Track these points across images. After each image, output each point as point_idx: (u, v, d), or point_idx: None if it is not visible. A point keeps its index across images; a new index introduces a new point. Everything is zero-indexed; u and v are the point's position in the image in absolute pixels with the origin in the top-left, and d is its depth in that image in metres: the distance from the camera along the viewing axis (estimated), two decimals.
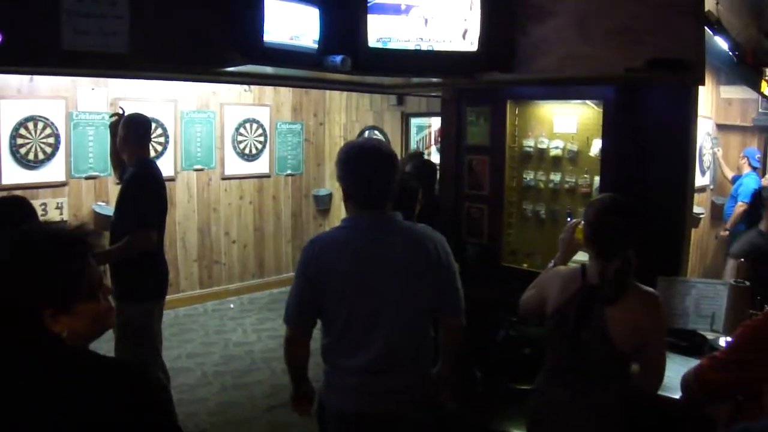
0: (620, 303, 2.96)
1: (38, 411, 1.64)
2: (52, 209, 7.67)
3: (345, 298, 2.91)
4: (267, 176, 9.90)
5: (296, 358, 3.16)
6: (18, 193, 6.82)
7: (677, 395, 3.08)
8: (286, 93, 9.98)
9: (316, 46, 4.54)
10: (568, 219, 5.07)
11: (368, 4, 4.64)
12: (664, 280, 4.09)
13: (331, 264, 2.93)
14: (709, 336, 3.94)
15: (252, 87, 9.38)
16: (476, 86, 5.49)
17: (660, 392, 3.19)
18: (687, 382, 2.85)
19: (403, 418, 2.98)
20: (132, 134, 4.96)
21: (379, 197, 2.94)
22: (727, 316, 3.86)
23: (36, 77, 7.44)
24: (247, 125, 9.55)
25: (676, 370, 3.10)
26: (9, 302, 1.70)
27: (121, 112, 5.21)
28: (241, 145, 9.51)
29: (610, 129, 4.79)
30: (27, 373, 1.68)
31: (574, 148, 5.20)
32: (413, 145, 9.24)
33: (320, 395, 3.13)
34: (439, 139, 8.25)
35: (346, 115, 10.21)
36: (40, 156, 7.63)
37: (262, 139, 9.73)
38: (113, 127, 5.22)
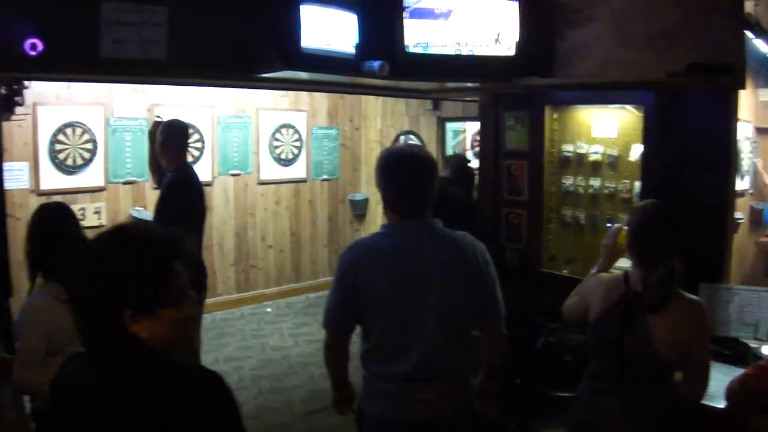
0: (664, 311, 2.93)
1: (116, 411, 1.67)
2: (90, 214, 7.73)
3: (383, 305, 2.90)
4: (303, 181, 9.92)
5: (335, 363, 3.16)
6: (57, 198, 6.92)
7: (721, 404, 3.05)
8: (321, 98, 9.98)
9: (354, 51, 4.54)
10: (608, 225, 5.02)
11: (406, 9, 4.63)
12: (707, 287, 4.05)
13: (369, 271, 2.92)
14: (753, 344, 3.88)
15: (288, 93, 9.40)
16: (514, 91, 5.45)
17: (704, 401, 3.15)
18: (732, 392, 2.82)
19: (442, 427, 2.95)
20: (170, 140, 5.00)
21: (417, 205, 2.93)
22: None
23: (74, 84, 7.51)
24: (284, 130, 9.57)
25: (719, 379, 3.08)
26: (93, 297, 1.73)
27: (159, 119, 5.25)
28: (278, 150, 9.53)
29: (650, 134, 4.73)
30: (108, 371, 1.72)
31: (614, 153, 5.15)
32: (449, 150, 9.22)
33: (359, 400, 3.12)
34: (476, 144, 8.25)
35: (381, 119, 10.21)
36: (79, 161, 7.70)
37: (298, 144, 9.74)
38: (152, 133, 5.27)
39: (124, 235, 1.81)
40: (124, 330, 1.70)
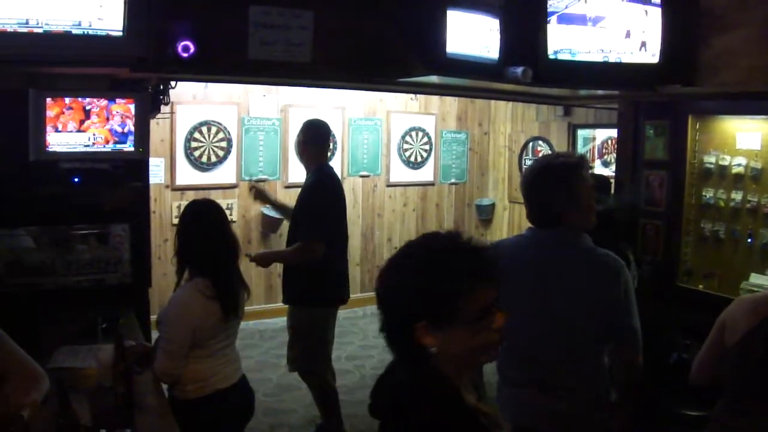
0: None
1: (390, 415, 1.77)
2: None
3: (515, 308, 2.86)
4: (431, 184, 9.96)
5: None
6: (190, 193, 7.17)
7: None
8: (451, 102, 10.01)
9: (496, 56, 4.53)
10: (749, 240, 4.86)
11: (551, 15, 4.58)
12: None
13: (506, 272, 2.89)
14: None
15: (418, 96, 9.45)
16: (655, 99, 5.33)
17: None
18: None
19: None
20: (312, 139, 5.07)
21: (547, 215, 2.91)
22: None
23: (211, 84, 7.77)
24: (413, 133, 9.63)
25: None
26: (393, 303, 1.75)
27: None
28: (407, 153, 9.60)
29: None
30: (397, 373, 1.77)
31: (758, 165, 4.97)
32: None
33: None
34: (605, 152, 8.09)
35: (511, 125, 10.13)
36: (213, 159, 7.96)
37: (427, 147, 9.78)
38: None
39: (432, 242, 1.80)
40: (413, 340, 1.68)
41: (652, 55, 4.77)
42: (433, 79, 4.90)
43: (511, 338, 2.89)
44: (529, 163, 9.16)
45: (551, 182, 2.90)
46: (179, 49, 3.88)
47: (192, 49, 3.92)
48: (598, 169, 8.26)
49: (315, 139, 5.08)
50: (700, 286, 5.12)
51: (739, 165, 5.07)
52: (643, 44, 4.76)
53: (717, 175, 5.21)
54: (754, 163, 5.00)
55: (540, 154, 9.17)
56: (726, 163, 5.14)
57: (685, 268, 5.33)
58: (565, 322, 2.83)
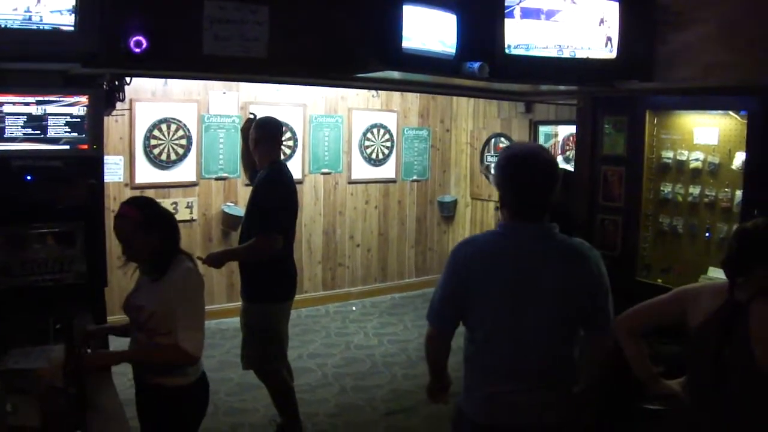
0: (765, 323, 2.82)
1: None
2: (182, 208, 7.92)
3: (493, 306, 2.86)
4: (393, 181, 9.93)
5: (436, 356, 3.13)
6: (150, 192, 7.10)
7: None
8: (413, 99, 10.00)
9: (453, 52, 4.53)
10: (707, 234, 4.91)
11: (508, 9, 4.59)
12: None
13: (481, 269, 2.87)
14: None
15: (379, 93, 9.44)
16: (613, 94, 5.38)
17: None
18: None
19: None
20: (264, 137, 5.04)
21: (537, 208, 2.86)
22: None
23: (170, 81, 7.71)
24: (374, 130, 9.60)
25: None
26: None
27: (252, 116, 5.30)
28: (368, 150, 9.57)
29: (754, 141, 4.61)
30: None
31: (715, 160, 5.02)
32: None
33: (459, 401, 3.07)
34: (567, 149, 8.14)
35: (473, 121, 10.15)
36: (173, 157, 7.88)
37: (388, 144, 9.76)
38: (245, 130, 5.32)
39: None
40: None
41: (609, 51, 4.82)
42: (394, 74, 4.91)
43: (491, 333, 2.89)
44: (492, 159, 9.22)
45: (546, 174, 2.86)
46: (131, 44, 3.86)
47: (144, 44, 3.89)
48: (561, 165, 8.29)
49: (267, 136, 5.05)
50: (659, 281, 5.16)
51: (696, 160, 5.13)
52: (601, 40, 4.80)
53: (675, 170, 5.27)
54: (711, 158, 5.06)
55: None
56: (684, 158, 5.19)
57: (644, 262, 5.38)
58: (544, 316, 2.82)
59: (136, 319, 3.41)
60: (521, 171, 2.84)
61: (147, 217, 3.39)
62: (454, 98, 10.22)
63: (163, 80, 7.62)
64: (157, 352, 3.40)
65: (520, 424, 2.87)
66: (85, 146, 4.27)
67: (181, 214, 7.81)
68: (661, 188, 5.33)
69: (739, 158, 4.84)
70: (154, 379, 3.44)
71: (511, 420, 2.87)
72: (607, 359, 3.04)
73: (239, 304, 5.23)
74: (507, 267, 2.84)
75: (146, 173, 7.71)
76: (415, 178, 10.17)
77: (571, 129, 7.90)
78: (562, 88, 5.80)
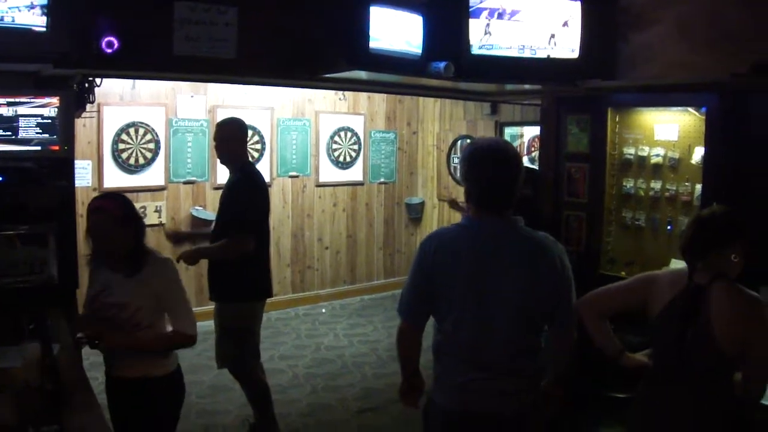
0: (724, 305, 2.93)
1: None
2: (151, 212, 7.88)
3: (458, 297, 2.91)
4: (360, 184, 9.98)
5: (407, 350, 3.16)
6: None
7: None
8: (380, 102, 10.06)
9: (419, 52, 4.60)
10: (668, 228, 5.01)
11: (474, 11, 4.67)
12: None
13: (447, 261, 2.92)
14: None
15: (347, 96, 9.51)
16: (576, 93, 5.48)
17: (765, 401, 3.15)
18: None
19: (506, 422, 2.93)
20: (234, 136, 5.04)
21: (503, 201, 2.91)
22: None
23: (138, 84, 7.69)
24: (342, 133, 9.64)
25: None
26: None
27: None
28: (336, 153, 9.61)
29: (712, 136, 4.75)
30: None
31: (676, 155, 5.16)
32: None
33: (430, 390, 3.12)
34: (533, 149, 8.25)
35: (439, 124, 10.24)
36: (141, 161, 7.85)
37: (356, 147, 9.81)
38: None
39: None
40: None
41: (572, 51, 4.91)
42: (362, 74, 4.97)
43: (457, 323, 2.94)
44: (458, 160, 9.29)
45: (510, 165, 2.91)
46: (103, 44, 3.88)
47: (116, 44, 3.92)
48: (526, 165, 8.39)
49: (237, 136, 5.06)
50: (623, 273, 5.24)
51: (657, 155, 5.26)
52: (564, 40, 4.88)
53: (636, 166, 5.40)
54: (671, 153, 5.19)
55: None
56: (645, 154, 5.32)
57: (608, 256, 5.49)
58: (509, 307, 2.87)
59: (115, 317, 3.39)
60: (485, 164, 2.90)
61: (124, 211, 3.43)
62: (421, 101, 10.30)
63: (131, 84, 7.61)
64: (163, 340, 3.50)
65: (487, 412, 2.92)
66: (57, 147, 4.28)
67: (150, 218, 7.79)
68: (624, 184, 5.46)
69: (699, 153, 4.97)
70: (140, 371, 3.46)
71: (479, 408, 2.93)
72: (572, 351, 3.09)
73: (209, 307, 5.24)
74: (471, 258, 2.89)
75: (114, 178, 7.68)
76: (382, 180, 10.23)
77: (537, 130, 7.99)
78: (526, 87, 5.90)
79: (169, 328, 3.55)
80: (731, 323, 2.90)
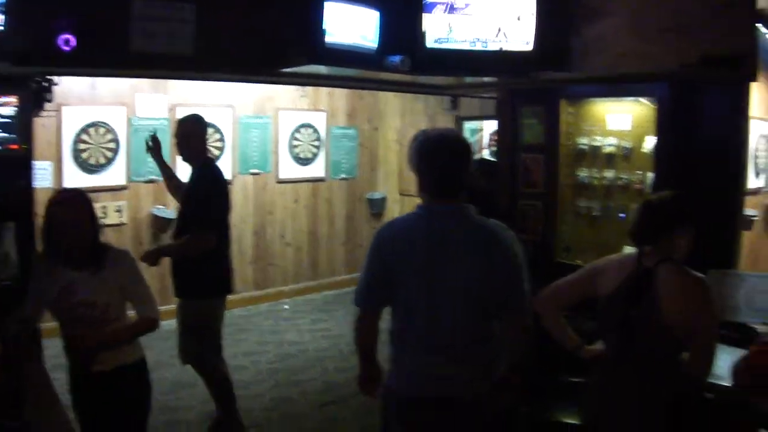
0: (671, 286, 3.03)
1: None
2: (111, 212, 7.84)
3: (411, 284, 2.96)
4: (322, 180, 10.01)
5: (364, 339, 3.21)
6: None
7: (727, 384, 3.13)
8: (340, 98, 10.09)
9: (375, 46, 4.65)
10: (621, 216, 5.11)
11: (429, 5, 4.73)
12: (716, 273, 4.11)
13: (401, 248, 2.98)
14: (761, 329, 3.94)
15: (307, 92, 9.53)
16: (531, 86, 5.56)
17: (711, 380, 3.25)
18: (737, 368, 2.90)
19: (460, 408, 2.99)
20: (196, 132, 5.05)
21: (452, 188, 2.98)
22: None
23: (98, 84, 7.64)
24: (303, 130, 9.66)
25: (726, 360, 3.16)
26: None
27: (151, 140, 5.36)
28: (297, 150, 9.63)
29: (663, 125, 4.85)
30: None
31: (628, 145, 5.26)
32: None
33: (387, 376, 3.17)
34: (492, 143, 8.33)
35: (400, 119, 10.29)
36: (101, 160, 7.80)
37: (317, 143, 9.84)
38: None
39: None
40: None
41: (526, 44, 4.97)
42: (321, 69, 5.00)
43: (411, 309, 2.99)
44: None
45: (460, 153, 2.99)
46: (60, 42, 3.87)
47: (73, 42, 3.91)
48: (486, 157, 8.47)
49: (198, 133, 5.07)
50: (578, 261, 5.31)
51: (610, 145, 5.37)
52: (518, 32, 4.95)
53: (590, 156, 5.50)
54: (624, 143, 5.30)
55: None
56: (598, 144, 5.43)
57: (563, 245, 5.59)
58: (461, 292, 2.92)
59: (85, 316, 3.40)
60: (437, 154, 2.97)
61: (90, 205, 3.46)
62: (382, 97, 10.35)
63: (91, 84, 7.57)
64: (132, 328, 3.56)
65: (440, 397, 2.97)
66: (16, 146, 4.28)
67: (111, 218, 7.76)
68: (578, 173, 5.56)
69: (650, 142, 5.06)
70: (115, 362, 3.49)
71: (433, 393, 2.99)
72: (527, 339, 3.10)
73: (171, 306, 5.25)
74: (425, 246, 2.95)
75: (75, 178, 7.61)
76: (343, 176, 10.27)
77: (496, 124, 8.10)
78: (482, 80, 5.95)
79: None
80: (677, 303, 3.00)
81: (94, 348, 3.40)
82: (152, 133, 5.63)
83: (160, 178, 8.10)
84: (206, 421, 5.46)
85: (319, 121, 9.87)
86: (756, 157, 7.70)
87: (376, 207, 10.52)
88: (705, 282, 3.08)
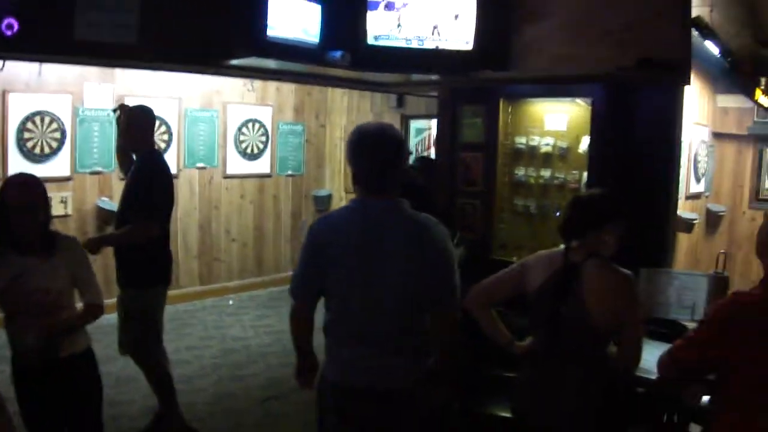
0: (597, 281, 3.11)
1: None
2: (56, 203, 7.69)
3: (345, 276, 3.00)
4: (268, 176, 9.99)
5: (300, 331, 3.24)
6: None
7: (654, 376, 3.21)
8: (288, 93, 10.09)
9: (317, 41, 4.69)
10: (557, 213, 5.19)
11: (372, 2, 4.77)
12: (647, 272, 4.21)
13: (333, 241, 3.01)
14: (690, 326, 4.04)
15: (255, 87, 9.50)
16: (471, 85, 5.63)
17: (638, 374, 3.35)
18: (662, 361, 2.97)
19: (392, 398, 3.02)
20: (141, 122, 5.04)
21: (386, 182, 3.00)
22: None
23: (44, 71, 7.52)
24: (250, 125, 9.64)
25: (654, 354, 3.22)
26: None
27: (118, 109, 5.30)
28: (243, 145, 9.60)
29: (597, 126, 4.96)
30: None
31: (564, 145, 5.36)
32: (411, 147, 9.30)
33: (321, 367, 3.21)
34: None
35: (347, 116, 10.32)
36: (46, 150, 7.71)
37: (264, 139, 9.82)
38: (120, 122, 5.30)
39: None
40: None
41: (465, 43, 5.03)
42: (268, 63, 5.01)
43: (345, 301, 3.02)
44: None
45: (393, 147, 3.02)
46: (2, 27, 3.84)
47: (15, 27, 3.88)
48: (421, 154, 8.57)
49: (144, 123, 5.05)
50: (514, 258, 5.33)
51: (547, 145, 5.47)
52: (458, 32, 5.00)
53: (528, 155, 5.59)
54: (560, 143, 5.41)
55: None
56: (536, 143, 5.52)
57: (500, 242, 5.67)
58: (393, 285, 2.95)
59: (39, 303, 3.37)
60: (372, 148, 2.99)
61: (44, 189, 3.47)
62: (329, 94, 10.39)
63: (37, 70, 7.46)
64: (83, 314, 3.56)
65: (373, 387, 3.01)
66: None
67: (56, 209, 7.59)
68: (516, 172, 5.65)
69: (586, 142, 5.17)
70: (67, 350, 3.48)
71: (366, 383, 3.02)
72: (456, 333, 3.12)
73: (113, 300, 5.22)
74: (359, 239, 2.98)
75: (19, 167, 7.42)
76: (290, 172, 10.26)
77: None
78: (428, 78, 6.01)
79: None
80: (603, 298, 3.08)
81: (58, 335, 3.40)
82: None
83: (106, 170, 8.09)
84: (148, 415, 5.43)
85: (266, 116, 9.85)
86: (697, 161, 7.90)
87: (322, 204, 10.50)
88: (631, 278, 3.16)
